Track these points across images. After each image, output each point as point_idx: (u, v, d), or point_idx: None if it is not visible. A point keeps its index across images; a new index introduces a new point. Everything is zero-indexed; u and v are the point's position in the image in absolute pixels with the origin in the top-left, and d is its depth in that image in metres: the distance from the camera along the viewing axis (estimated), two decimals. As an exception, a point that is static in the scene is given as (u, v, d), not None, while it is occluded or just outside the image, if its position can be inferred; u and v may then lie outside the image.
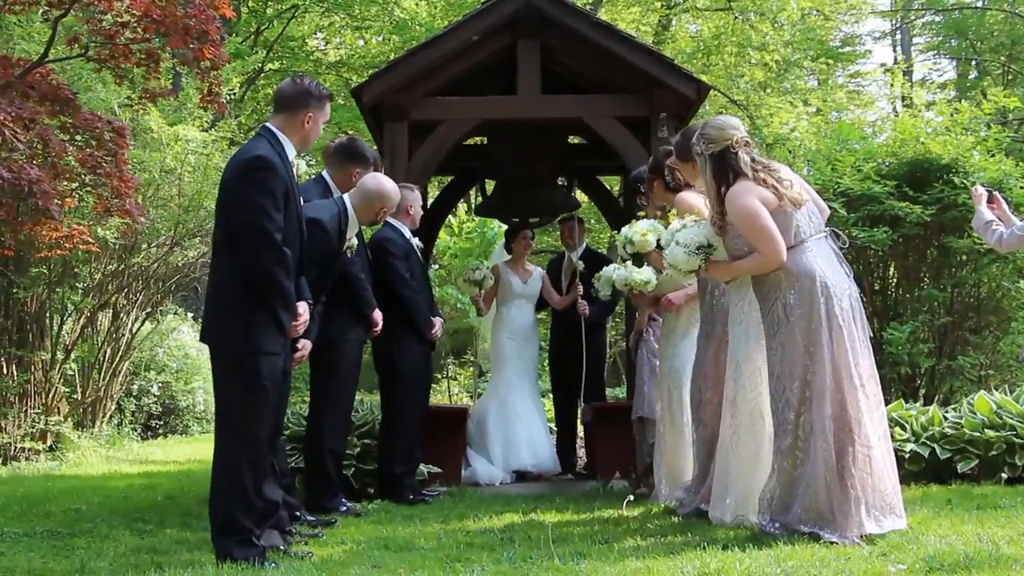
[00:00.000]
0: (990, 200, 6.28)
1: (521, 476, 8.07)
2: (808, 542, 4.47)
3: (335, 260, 5.61)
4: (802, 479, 4.70)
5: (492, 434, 8.11)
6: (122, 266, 11.58)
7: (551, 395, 9.30)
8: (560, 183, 9.91)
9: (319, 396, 6.41)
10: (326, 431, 6.30)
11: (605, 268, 6.41)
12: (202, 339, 4.87)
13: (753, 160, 4.93)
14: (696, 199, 5.61)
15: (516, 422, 8.14)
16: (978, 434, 6.66)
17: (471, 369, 15.79)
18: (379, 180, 5.71)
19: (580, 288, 8.32)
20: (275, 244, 4.56)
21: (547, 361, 9.33)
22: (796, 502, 4.70)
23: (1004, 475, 6.53)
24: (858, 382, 4.74)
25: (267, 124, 4.87)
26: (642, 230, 5.73)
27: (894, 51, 30.28)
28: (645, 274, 6.09)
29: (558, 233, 10.55)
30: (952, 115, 9.37)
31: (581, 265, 8.50)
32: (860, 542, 4.50)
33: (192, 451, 11.61)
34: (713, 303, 5.73)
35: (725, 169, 4.93)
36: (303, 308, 4.81)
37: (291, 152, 4.83)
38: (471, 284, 8.36)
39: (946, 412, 7.02)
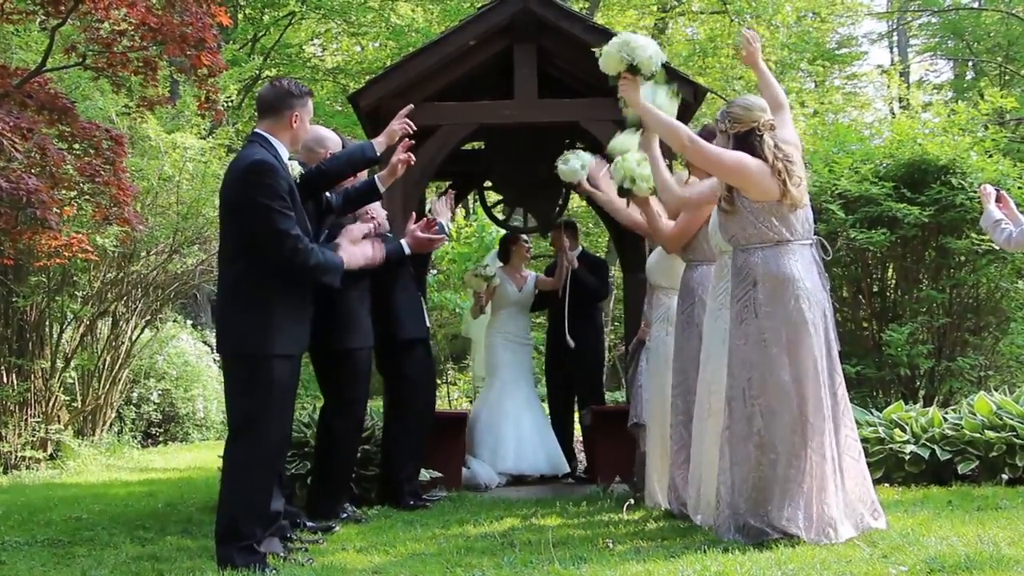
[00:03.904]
0: (998, 199, 6.28)
1: (521, 479, 8.09)
2: (806, 545, 4.48)
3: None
4: (746, 474, 4.73)
5: (481, 438, 8.14)
6: (121, 274, 11.58)
7: (548, 398, 9.32)
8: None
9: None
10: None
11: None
12: (218, 348, 4.90)
13: (776, 146, 4.88)
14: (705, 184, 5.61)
15: (505, 426, 8.16)
16: (978, 435, 6.66)
17: (470, 374, 15.78)
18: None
19: (566, 242, 8.42)
20: (297, 239, 4.63)
21: (544, 365, 9.35)
22: (749, 495, 4.74)
23: (1005, 476, 6.52)
24: (822, 392, 4.74)
25: (256, 130, 4.91)
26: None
27: (891, 53, 30.34)
28: (575, 166, 6.51)
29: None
30: (949, 116, 9.40)
31: (576, 263, 8.53)
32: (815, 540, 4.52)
33: (192, 458, 11.59)
34: (691, 311, 5.76)
35: (748, 151, 4.87)
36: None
37: (284, 154, 4.88)
38: (480, 279, 8.37)
39: (946, 413, 7.02)
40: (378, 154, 5.55)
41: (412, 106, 5.84)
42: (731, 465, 4.81)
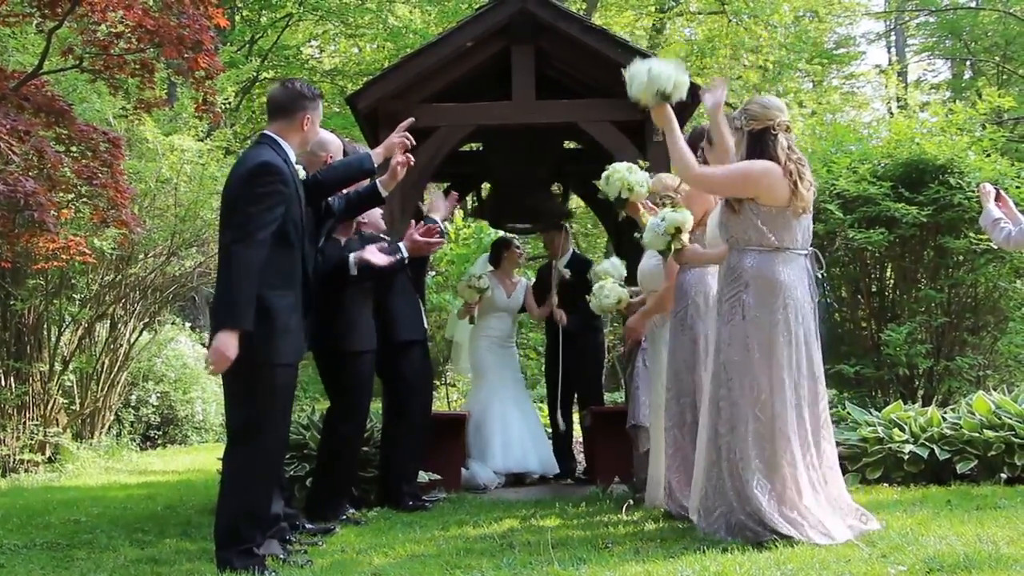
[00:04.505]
0: (997, 198, 6.28)
1: (520, 480, 8.10)
2: (805, 545, 4.48)
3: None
4: (729, 473, 4.76)
5: (471, 439, 8.17)
6: (119, 277, 11.56)
7: (547, 399, 9.34)
8: (555, 190, 9.93)
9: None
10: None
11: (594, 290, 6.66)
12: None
13: (790, 148, 4.89)
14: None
15: (491, 425, 8.18)
16: (977, 435, 6.66)
17: (469, 376, 15.83)
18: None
19: (555, 298, 8.50)
20: (257, 254, 4.52)
21: (544, 366, 9.37)
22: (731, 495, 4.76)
23: (1003, 475, 6.52)
24: (793, 400, 4.75)
25: (266, 132, 4.87)
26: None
27: (888, 52, 30.34)
28: (613, 296, 6.54)
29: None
30: (947, 115, 9.40)
31: (567, 273, 8.55)
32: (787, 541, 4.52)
33: (191, 461, 11.58)
34: (684, 313, 5.76)
35: (761, 149, 4.88)
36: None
37: (293, 156, 4.86)
38: (474, 291, 8.38)
39: (945, 413, 7.03)
40: (375, 166, 5.53)
41: (412, 119, 5.82)
42: (716, 464, 4.81)
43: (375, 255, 6.13)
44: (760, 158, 4.88)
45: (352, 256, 6.12)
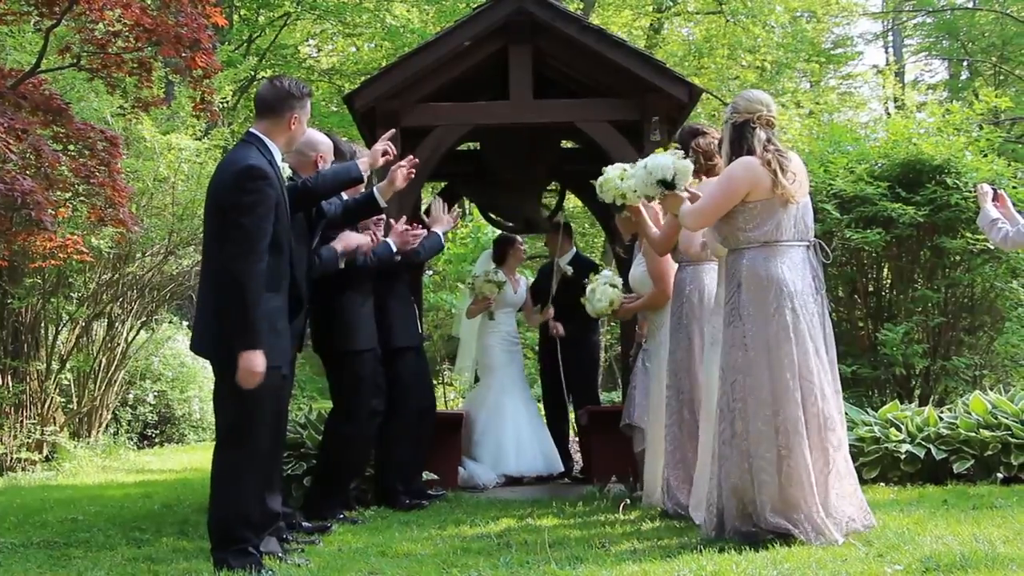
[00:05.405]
0: (995, 198, 6.28)
1: (518, 479, 8.09)
2: (802, 544, 4.49)
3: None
4: (732, 476, 4.74)
5: (481, 440, 8.15)
6: (116, 275, 11.55)
7: (543, 398, 9.35)
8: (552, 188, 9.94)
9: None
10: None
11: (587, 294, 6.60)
12: (198, 351, 4.83)
13: (768, 140, 4.90)
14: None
15: (505, 428, 8.18)
16: (973, 434, 6.68)
17: (467, 375, 15.83)
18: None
19: (551, 310, 8.57)
20: (257, 260, 4.50)
21: (539, 365, 9.39)
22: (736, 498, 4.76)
23: (1000, 475, 6.54)
24: (799, 397, 4.71)
25: (252, 130, 4.82)
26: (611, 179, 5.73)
27: (886, 52, 30.38)
28: (605, 299, 6.44)
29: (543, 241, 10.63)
30: (944, 116, 9.41)
31: (570, 270, 8.56)
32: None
33: (188, 460, 11.58)
34: (680, 311, 5.76)
35: (741, 141, 4.91)
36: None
37: (278, 156, 4.80)
38: (493, 285, 8.39)
39: (941, 413, 7.04)
40: (363, 176, 5.46)
41: (394, 130, 5.80)
42: (720, 467, 4.82)
43: (350, 237, 6.09)
44: (739, 150, 4.91)
45: (338, 250, 6.09)
